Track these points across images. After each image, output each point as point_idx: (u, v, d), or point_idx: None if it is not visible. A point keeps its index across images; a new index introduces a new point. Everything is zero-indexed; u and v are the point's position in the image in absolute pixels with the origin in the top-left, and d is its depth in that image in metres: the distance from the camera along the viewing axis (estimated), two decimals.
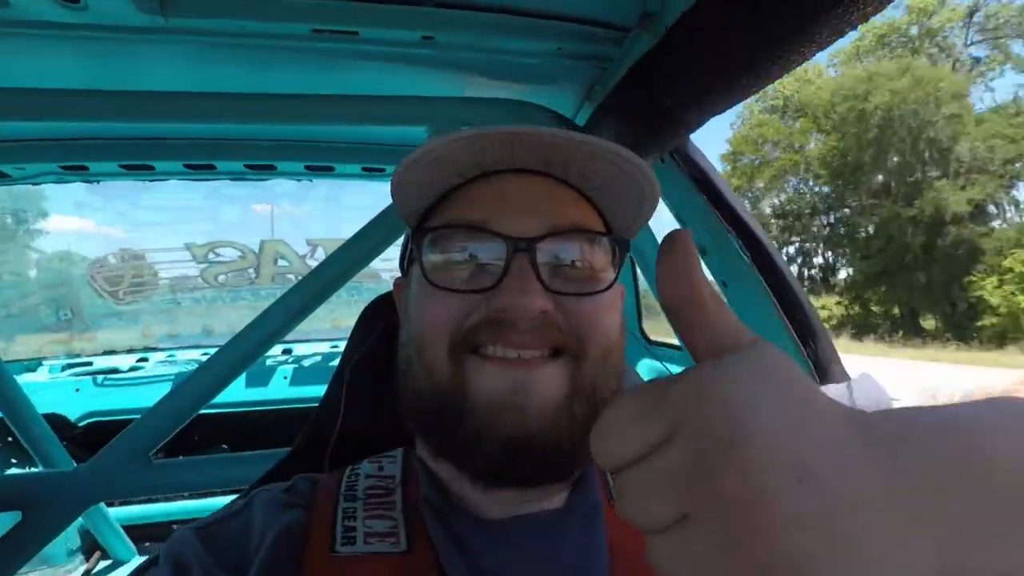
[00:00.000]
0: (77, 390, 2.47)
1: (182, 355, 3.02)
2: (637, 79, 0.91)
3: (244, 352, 1.29)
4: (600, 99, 1.08)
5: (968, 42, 22.39)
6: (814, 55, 0.58)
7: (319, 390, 0.77)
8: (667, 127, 0.88)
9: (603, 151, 0.49)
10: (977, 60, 22.51)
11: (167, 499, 2.25)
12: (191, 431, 2.40)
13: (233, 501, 0.59)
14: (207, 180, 1.84)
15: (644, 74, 0.89)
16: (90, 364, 2.90)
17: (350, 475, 0.59)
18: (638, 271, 1.74)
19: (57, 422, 2.23)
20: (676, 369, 1.51)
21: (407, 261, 0.58)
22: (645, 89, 0.88)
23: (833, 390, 0.57)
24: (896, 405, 0.53)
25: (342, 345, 0.81)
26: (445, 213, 0.53)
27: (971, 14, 21.54)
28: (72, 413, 2.39)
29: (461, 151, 0.50)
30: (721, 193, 0.99)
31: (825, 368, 0.94)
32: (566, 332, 0.48)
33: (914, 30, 22.53)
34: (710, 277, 1.09)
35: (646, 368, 1.70)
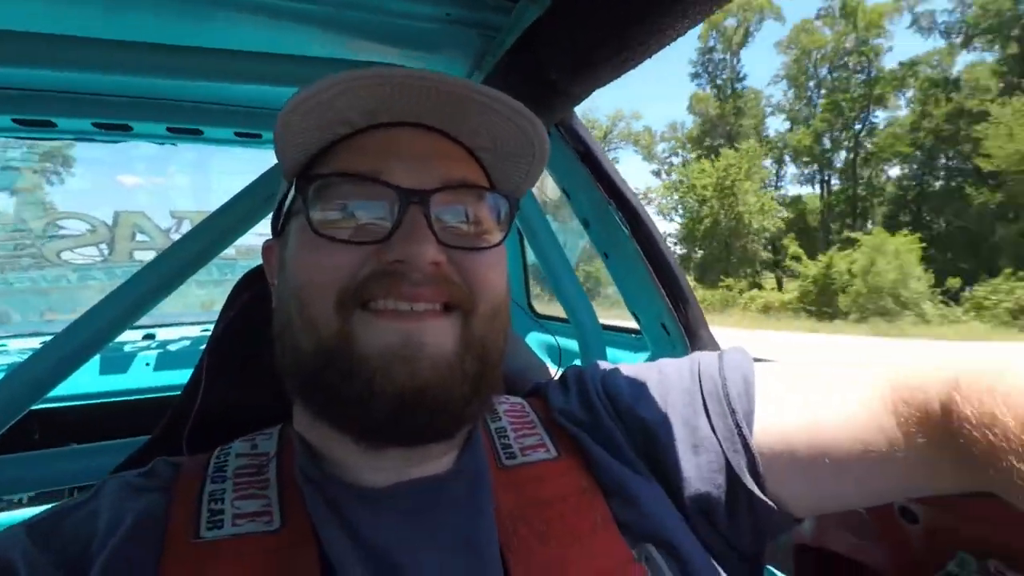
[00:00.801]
0: None
1: (15, 344, 2.62)
2: (524, 50, 0.91)
3: (90, 337, 1.14)
4: (489, 69, 1.07)
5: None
6: (688, 30, 0.61)
7: (188, 375, 0.71)
8: (553, 99, 0.90)
9: (502, 105, 0.49)
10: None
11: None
12: (28, 428, 2.09)
13: (79, 494, 0.52)
14: (46, 139, 1.59)
15: (531, 45, 0.89)
16: None
17: (219, 456, 0.55)
18: (526, 244, 1.77)
19: None
20: (565, 342, 1.57)
21: (284, 218, 0.54)
22: (532, 60, 0.89)
23: (706, 358, 0.61)
24: (760, 375, 0.58)
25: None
26: (333, 163, 0.50)
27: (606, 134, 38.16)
28: None
29: (352, 93, 0.47)
30: (603, 167, 1.03)
31: (694, 332, 1.03)
32: (458, 286, 0.48)
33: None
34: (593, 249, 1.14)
35: (535, 341, 1.74)
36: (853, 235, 22.72)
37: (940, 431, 0.43)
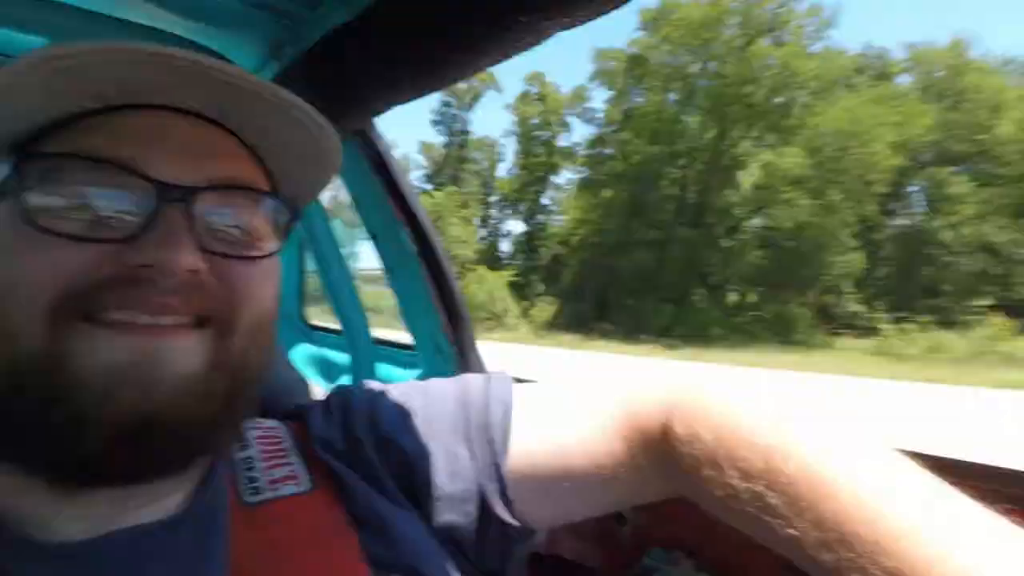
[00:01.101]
0: None
1: None
2: (329, 50, 0.89)
3: None
4: (288, 61, 1.01)
5: None
6: (486, 68, 0.66)
7: None
8: (352, 107, 0.89)
9: (294, 108, 0.45)
10: None
11: None
12: None
13: None
14: None
15: (337, 49, 0.87)
16: None
17: None
18: (304, 252, 1.68)
19: None
20: (335, 355, 1.50)
21: None
22: (335, 62, 0.87)
23: (474, 384, 0.64)
24: (516, 401, 0.63)
25: None
26: (72, 141, 0.41)
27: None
28: None
29: (116, 64, 0.39)
30: (396, 182, 1.04)
31: (465, 352, 1.08)
32: (217, 299, 0.42)
33: None
34: (378, 262, 1.14)
35: (303, 354, 1.64)
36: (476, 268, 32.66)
37: (658, 450, 0.52)
